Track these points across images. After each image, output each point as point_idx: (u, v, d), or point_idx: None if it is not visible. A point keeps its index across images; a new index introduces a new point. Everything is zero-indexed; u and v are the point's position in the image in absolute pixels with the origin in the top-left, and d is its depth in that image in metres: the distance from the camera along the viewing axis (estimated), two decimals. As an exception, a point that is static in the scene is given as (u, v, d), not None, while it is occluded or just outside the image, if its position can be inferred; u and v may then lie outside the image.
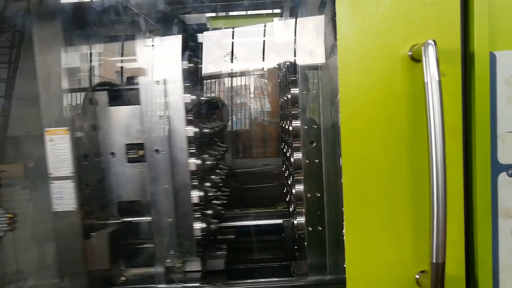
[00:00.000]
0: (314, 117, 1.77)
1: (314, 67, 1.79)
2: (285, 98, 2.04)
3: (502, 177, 1.18)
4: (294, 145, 1.84)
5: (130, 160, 1.89)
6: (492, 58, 1.15)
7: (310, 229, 1.78)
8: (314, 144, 1.77)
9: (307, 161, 1.77)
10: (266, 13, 2.20)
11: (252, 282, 1.86)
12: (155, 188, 1.79)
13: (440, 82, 1.05)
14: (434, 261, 1.07)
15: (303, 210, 1.80)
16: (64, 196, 1.70)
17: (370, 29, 1.16)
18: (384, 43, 1.16)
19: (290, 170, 1.99)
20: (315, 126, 1.76)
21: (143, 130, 1.80)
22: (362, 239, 1.21)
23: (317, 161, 1.76)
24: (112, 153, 1.90)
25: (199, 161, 1.82)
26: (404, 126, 1.17)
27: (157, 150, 1.78)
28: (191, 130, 1.80)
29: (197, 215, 1.84)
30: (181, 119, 1.79)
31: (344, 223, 1.20)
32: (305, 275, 1.83)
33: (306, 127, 1.77)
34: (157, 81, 1.77)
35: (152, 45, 1.80)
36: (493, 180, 1.18)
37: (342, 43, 1.16)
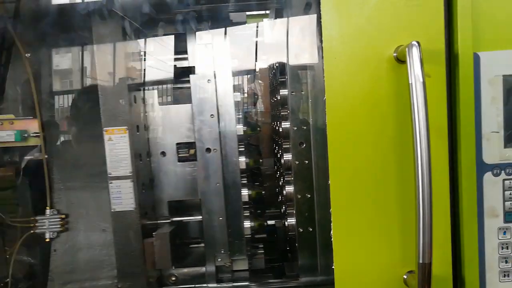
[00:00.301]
0: (304, 118, 1.77)
1: (303, 68, 1.79)
2: (275, 99, 2.04)
3: (488, 176, 1.19)
4: (284, 146, 1.84)
5: (181, 159, 1.88)
6: (476, 59, 1.16)
7: (301, 230, 1.78)
8: (304, 145, 1.77)
9: (297, 162, 1.77)
10: (253, 15, 2.19)
11: (243, 284, 1.85)
12: (206, 187, 1.79)
13: (424, 83, 1.05)
14: (420, 261, 1.08)
15: (294, 211, 1.80)
16: (123, 196, 1.69)
17: (355, 31, 1.16)
18: (369, 45, 1.16)
19: (281, 171, 1.99)
20: (305, 127, 1.76)
21: (194, 129, 1.80)
22: (350, 240, 1.21)
23: (307, 162, 1.76)
24: (163, 153, 1.89)
25: (248, 160, 1.84)
26: (390, 126, 1.17)
27: (208, 149, 1.78)
28: (241, 129, 1.81)
29: (246, 213, 1.85)
30: (231, 118, 1.79)
31: (332, 224, 1.21)
32: (296, 276, 1.83)
33: (295, 128, 1.77)
34: (208, 80, 1.77)
35: (203, 43, 1.79)
36: (478, 180, 1.18)
37: (327, 44, 1.17)
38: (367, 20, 1.16)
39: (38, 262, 1.95)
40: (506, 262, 1.21)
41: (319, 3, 1.17)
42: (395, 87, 1.16)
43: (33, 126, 1.77)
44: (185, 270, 1.90)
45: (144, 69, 1.95)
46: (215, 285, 1.83)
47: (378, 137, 1.18)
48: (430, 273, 1.08)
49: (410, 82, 1.06)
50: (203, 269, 1.85)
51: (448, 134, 1.17)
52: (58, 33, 1.85)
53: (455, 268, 1.21)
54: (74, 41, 1.98)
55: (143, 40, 2.01)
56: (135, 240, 1.71)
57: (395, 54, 1.15)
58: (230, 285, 1.84)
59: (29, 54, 1.89)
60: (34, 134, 1.76)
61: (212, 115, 1.77)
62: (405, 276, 1.20)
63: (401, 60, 1.14)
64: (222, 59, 1.78)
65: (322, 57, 1.18)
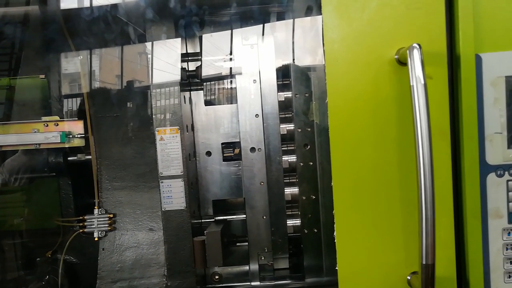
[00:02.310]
0: (308, 120, 1.78)
1: (307, 70, 1.80)
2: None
3: (491, 177, 1.19)
4: (289, 147, 1.86)
5: (226, 159, 1.91)
6: (478, 60, 1.16)
7: (306, 231, 1.79)
8: (308, 146, 1.78)
9: (302, 164, 1.78)
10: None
11: (248, 285, 1.86)
12: (251, 186, 1.82)
13: (425, 85, 1.06)
14: (423, 262, 1.08)
15: (299, 213, 1.81)
16: (174, 195, 1.71)
17: (357, 34, 1.17)
18: (371, 47, 1.17)
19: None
20: (309, 129, 1.77)
21: (239, 129, 1.82)
22: (353, 242, 1.22)
23: (311, 163, 1.77)
24: (208, 152, 1.91)
25: (291, 159, 1.85)
26: (392, 128, 1.18)
27: (253, 149, 1.80)
28: (285, 128, 1.84)
29: (289, 212, 1.87)
30: (275, 117, 1.81)
31: (335, 226, 1.22)
32: (301, 277, 1.84)
33: (300, 130, 1.78)
34: (254, 80, 1.79)
35: (249, 44, 1.81)
36: (482, 181, 1.18)
37: (329, 47, 1.18)
38: (368, 23, 1.16)
39: (78, 261, 2.01)
40: (511, 263, 1.21)
41: (320, 7, 1.18)
42: (397, 90, 1.16)
43: (77, 127, 1.80)
44: (229, 268, 1.93)
45: (194, 70, 1.95)
46: (258, 283, 1.86)
47: (380, 139, 1.18)
48: (433, 274, 1.09)
49: (411, 84, 1.07)
50: (246, 267, 1.88)
51: (451, 136, 1.17)
52: (102, 34, 1.88)
53: (459, 269, 1.21)
54: (119, 42, 2.00)
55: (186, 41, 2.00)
56: (186, 238, 1.73)
57: (396, 57, 1.15)
58: (273, 283, 1.86)
59: (81, 57, 1.93)
60: (79, 136, 1.80)
61: (257, 115, 1.80)
62: (408, 277, 1.20)
63: (402, 62, 1.14)
64: (267, 59, 1.81)
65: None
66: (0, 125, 1.80)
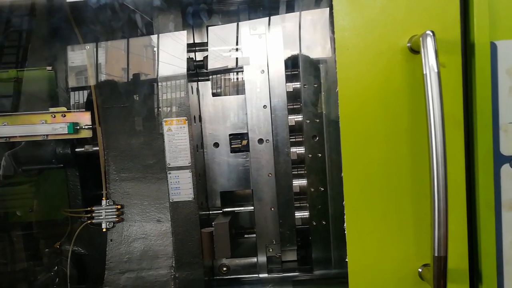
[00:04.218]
0: (316, 111, 1.76)
1: (316, 61, 1.78)
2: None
3: (505, 168, 1.16)
4: (297, 139, 1.84)
5: (233, 150, 1.89)
6: (493, 48, 1.13)
7: (314, 223, 1.78)
8: (317, 138, 1.76)
9: (310, 155, 1.77)
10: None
11: (256, 276, 1.86)
12: (259, 177, 1.80)
13: (439, 74, 1.04)
14: (436, 254, 1.07)
15: (307, 205, 1.80)
16: (181, 186, 1.71)
17: (368, 21, 1.14)
18: (382, 35, 1.15)
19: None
20: (318, 120, 1.76)
21: (247, 120, 1.80)
22: (364, 234, 1.20)
23: (320, 155, 1.75)
24: (216, 144, 1.90)
25: (299, 150, 1.83)
26: (404, 118, 1.16)
27: (261, 140, 1.79)
28: (293, 119, 1.82)
29: (297, 204, 1.86)
30: (283, 108, 1.79)
31: (345, 217, 1.20)
32: (310, 269, 1.83)
33: (308, 121, 1.76)
34: (262, 70, 1.77)
35: (257, 34, 1.78)
36: (495, 172, 1.16)
37: (339, 35, 1.15)
38: (380, 10, 1.14)
39: (87, 252, 2.02)
40: (525, 255, 1.19)
41: (331, -6, 1.16)
42: (409, 78, 1.14)
43: (84, 118, 1.79)
44: (237, 260, 1.92)
45: (201, 60, 1.90)
46: (266, 275, 1.85)
47: (392, 129, 1.16)
48: (445, 266, 1.07)
49: (424, 73, 1.05)
50: (254, 259, 1.87)
51: (464, 126, 1.15)
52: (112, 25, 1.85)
53: (471, 262, 1.20)
54: (126, 31, 1.93)
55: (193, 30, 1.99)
56: (193, 230, 1.72)
57: (409, 45, 1.13)
58: (281, 275, 1.85)
59: (88, 47, 1.91)
60: (86, 127, 1.79)
61: (265, 106, 1.78)
62: (420, 270, 1.19)
63: (415, 50, 1.12)
64: (275, 49, 1.78)
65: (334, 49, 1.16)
66: (8, 116, 1.80)
